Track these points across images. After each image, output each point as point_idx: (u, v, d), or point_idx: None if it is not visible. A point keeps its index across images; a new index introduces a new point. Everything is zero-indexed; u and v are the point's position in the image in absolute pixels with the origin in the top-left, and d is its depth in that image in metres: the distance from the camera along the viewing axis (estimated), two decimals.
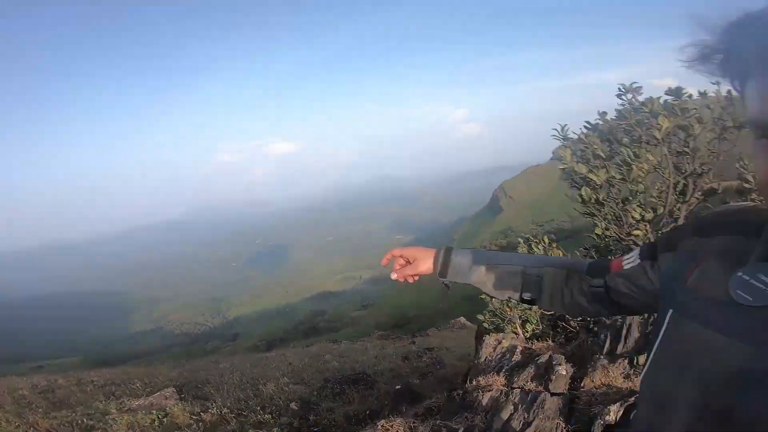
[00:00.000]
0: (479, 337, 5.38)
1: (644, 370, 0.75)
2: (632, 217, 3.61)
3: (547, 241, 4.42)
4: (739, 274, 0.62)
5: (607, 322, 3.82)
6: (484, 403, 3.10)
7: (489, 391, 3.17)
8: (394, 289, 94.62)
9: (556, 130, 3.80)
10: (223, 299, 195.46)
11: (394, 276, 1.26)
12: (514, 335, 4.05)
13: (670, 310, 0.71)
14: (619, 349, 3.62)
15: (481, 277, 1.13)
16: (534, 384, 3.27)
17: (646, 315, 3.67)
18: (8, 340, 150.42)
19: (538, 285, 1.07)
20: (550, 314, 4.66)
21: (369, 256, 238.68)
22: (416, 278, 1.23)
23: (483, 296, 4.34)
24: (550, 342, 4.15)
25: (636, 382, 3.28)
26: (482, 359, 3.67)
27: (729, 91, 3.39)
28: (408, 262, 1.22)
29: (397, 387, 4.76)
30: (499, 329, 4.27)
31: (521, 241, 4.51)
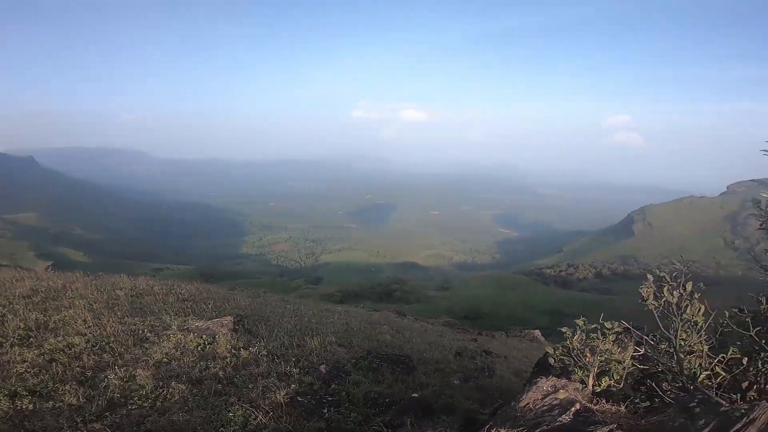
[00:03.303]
0: (543, 369, 4.24)
1: None
2: None
3: (689, 288, 3.10)
4: None
5: (722, 407, 2.49)
6: None
7: None
8: (479, 280, 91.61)
9: None
10: (320, 242, 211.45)
11: None
12: (579, 385, 2.92)
13: None
14: None
15: None
16: None
17: None
18: (154, 238, 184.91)
19: None
20: (644, 368, 3.40)
21: (467, 241, 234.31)
22: None
23: (564, 329, 3.26)
24: (622, 407, 2.93)
25: None
26: (522, 404, 2.65)
27: None
28: None
29: (414, 395, 3.96)
30: (566, 371, 3.16)
31: (650, 278, 3.25)
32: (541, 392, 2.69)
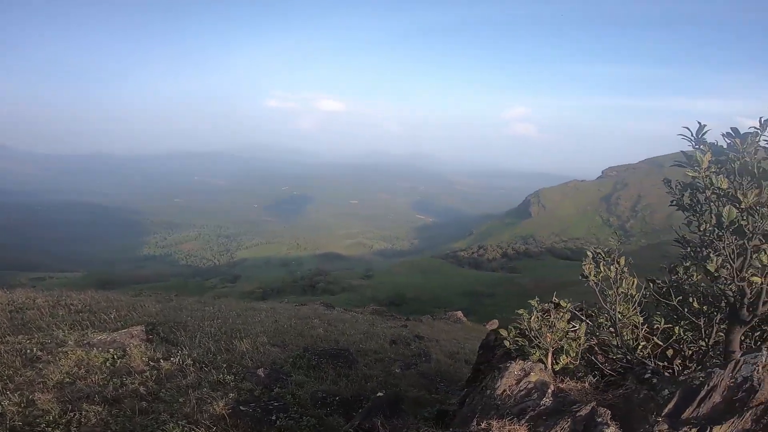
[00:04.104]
0: (488, 351, 4.37)
1: None
2: (759, 260, 2.58)
3: (623, 262, 3.34)
4: None
5: (680, 377, 2.73)
6: None
7: None
8: (401, 266, 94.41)
9: (687, 128, 3.06)
10: (235, 238, 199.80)
11: None
12: (541, 365, 3.03)
13: None
14: (688, 413, 2.55)
15: None
16: None
17: (738, 379, 2.63)
18: (30, 244, 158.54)
19: None
20: (588, 345, 3.64)
21: (386, 228, 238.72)
22: None
23: (522, 311, 3.31)
24: (585, 384, 3.11)
25: None
26: (499, 392, 2.67)
27: None
28: None
29: (379, 394, 3.85)
30: (522, 352, 3.26)
31: (589, 254, 3.43)
32: (514, 377, 2.74)
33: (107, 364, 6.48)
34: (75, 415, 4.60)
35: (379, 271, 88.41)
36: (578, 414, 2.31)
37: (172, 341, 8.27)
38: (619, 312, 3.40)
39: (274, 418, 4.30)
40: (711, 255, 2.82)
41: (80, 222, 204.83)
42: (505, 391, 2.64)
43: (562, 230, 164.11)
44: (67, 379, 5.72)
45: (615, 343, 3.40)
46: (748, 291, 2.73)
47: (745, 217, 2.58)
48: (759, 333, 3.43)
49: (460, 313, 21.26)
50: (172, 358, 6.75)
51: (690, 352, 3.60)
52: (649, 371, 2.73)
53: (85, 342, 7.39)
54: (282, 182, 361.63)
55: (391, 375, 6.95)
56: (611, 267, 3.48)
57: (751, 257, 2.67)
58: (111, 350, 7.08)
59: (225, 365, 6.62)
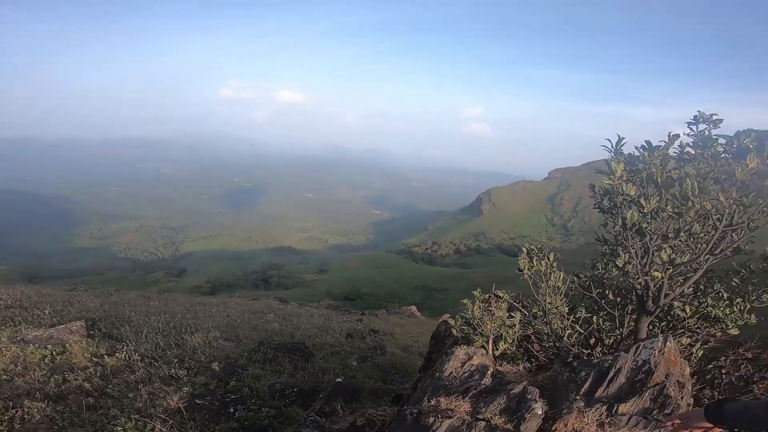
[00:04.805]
0: (439, 341, 4.72)
1: None
2: (660, 257, 3.06)
3: (551, 258, 3.76)
4: None
5: (594, 360, 3.19)
6: None
7: (449, 418, 2.52)
8: (356, 261, 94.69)
9: (609, 140, 3.42)
10: (181, 230, 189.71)
11: None
12: (483, 351, 3.39)
13: None
14: (599, 392, 3.02)
15: None
16: (503, 419, 2.63)
17: (639, 362, 3.13)
18: None
19: None
20: (522, 333, 4.06)
21: (342, 223, 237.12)
22: None
23: (466, 301, 3.65)
24: (520, 367, 3.52)
25: None
26: (447, 373, 3.00)
27: None
28: None
29: (338, 380, 4.07)
30: (467, 340, 3.60)
31: (524, 250, 3.82)
32: (459, 361, 3.07)
33: (46, 361, 6.28)
34: (17, 411, 4.44)
35: (335, 265, 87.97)
36: (512, 392, 2.68)
37: (115, 337, 8.03)
38: (548, 302, 3.83)
39: (232, 410, 4.38)
40: (620, 252, 3.30)
41: (1, 210, 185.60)
42: (451, 373, 2.97)
43: (511, 228, 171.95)
44: (4, 376, 5.49)
45: (546, 331, 3.83)
46: (651, 285, 3.23)
47: (648, 221, 3.07)
48: (665, 323, 4.01)
49: (414, 308, 21.86)
50: (117, 354, 6.59)
51: (610, 341, 4.12)
52: (571, 356, 3.17)
53: (19, 338, 7.10)
54: (234, 173, 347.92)
55: (347, 367, 7.17)
56: (542, 262, 3.90)
57: (653, 255, 3.17)
58: (49, 346, 6.84)
59: (176, 360, 6.54)
